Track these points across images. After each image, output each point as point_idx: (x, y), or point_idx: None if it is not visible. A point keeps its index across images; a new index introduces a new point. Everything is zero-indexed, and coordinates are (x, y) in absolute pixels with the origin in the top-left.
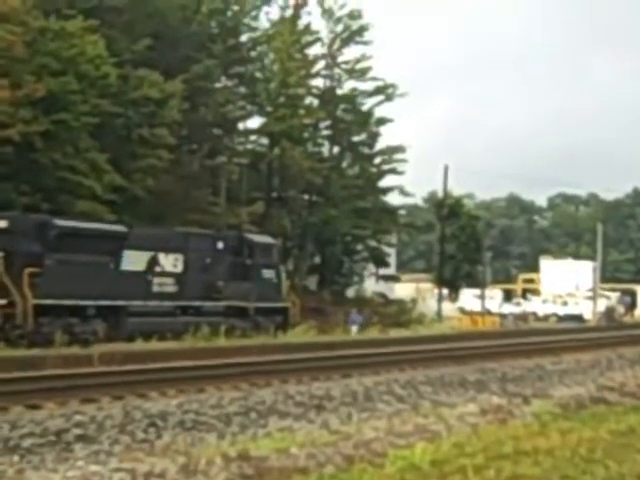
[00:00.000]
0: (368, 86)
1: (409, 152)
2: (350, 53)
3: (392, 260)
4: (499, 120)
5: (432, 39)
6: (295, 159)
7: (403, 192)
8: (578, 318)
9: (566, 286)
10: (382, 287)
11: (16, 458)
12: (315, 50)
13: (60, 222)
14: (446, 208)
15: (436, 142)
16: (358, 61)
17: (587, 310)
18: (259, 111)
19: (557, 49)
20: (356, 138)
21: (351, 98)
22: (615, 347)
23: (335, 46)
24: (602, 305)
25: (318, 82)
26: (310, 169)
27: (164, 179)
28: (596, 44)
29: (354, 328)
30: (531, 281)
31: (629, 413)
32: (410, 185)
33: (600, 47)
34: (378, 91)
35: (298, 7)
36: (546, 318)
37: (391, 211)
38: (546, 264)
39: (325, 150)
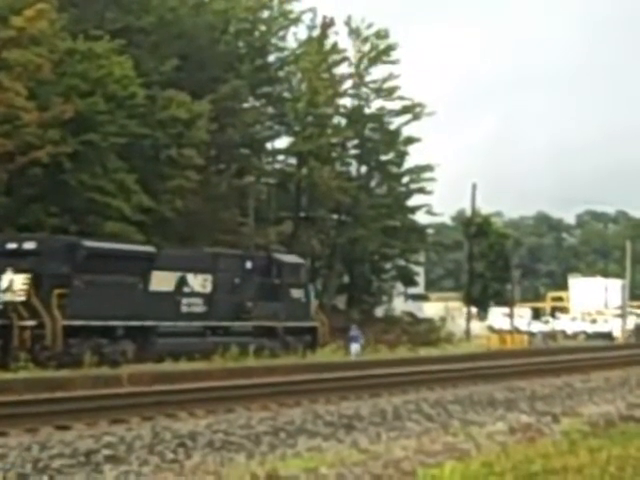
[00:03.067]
0: (396, 105)
1: (438, 170)
2: (377, 72)
3: (421, 279)
4: (531, 138)
5: (469, 56)
6: (323, 178)
7: (431, 212)
8: (607, 336)
9: (595, 304)
10: (411, 306)
11: (46, 479)
12: (342, 69)
13: (89, 243)
14: (474, 226)
15: (467, 160)
16: (385, 80)
17: (616, 328)
18: (287, 131)
19: (591, 68)
20: (384, 157)
21: (379, 117)
22: None
23: (362, 65)
24: (631, 323)
25: (346, 101)
26: (338, 188)
27: (192, 200)
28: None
29: (353, 348)
30: (560, 299)
31: None
32: (439, 203)
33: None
34: (406, 110)
35: (325, 27)
36: (575, 336)
37: (419, 230)
38: (575, 282)
39: (353, 169)
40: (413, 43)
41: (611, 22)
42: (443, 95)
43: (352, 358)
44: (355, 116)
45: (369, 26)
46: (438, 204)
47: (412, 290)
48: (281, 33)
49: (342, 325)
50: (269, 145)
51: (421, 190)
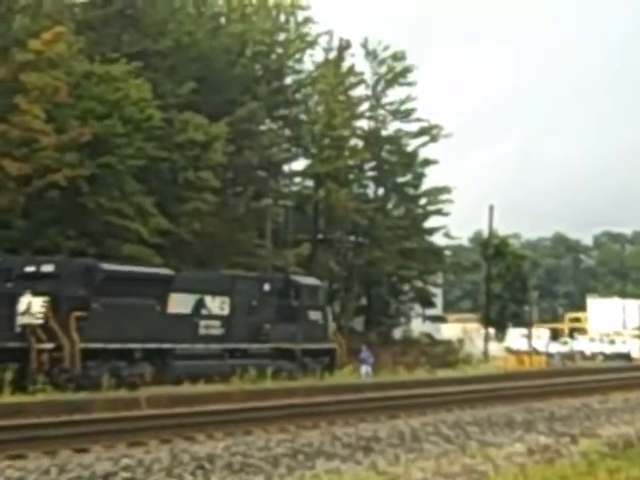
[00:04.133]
0: (413, 127)
1: (455, 192)
2: (394, 94)
3: (438, 300)
4: (548, 160)
5: (486, 78)
6: (340, 200)
7: (448, 236)
8: (625, 357)
9: (613, 325)
10: (429, 327)
11: None
12: (359, 91)
13: (106, 266)
14: (492, 248)
15: (484, 182)
16: (402, 102)
17: (634, 348)
18: (304, 153)
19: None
20: (401, 179)
21: (396, 139)
22: None
23: (379, 87)
24: None
25: (363, 123)
26: (355, 210)
27: (210, 222)
28: None
29: (364, 369)
30: (578, 320)
31: None
32: (456, 225)
33: None
34: (423, 132)
35: (342, 49)
36: (593, 357)
37: (437, 251)
38: (593, 303)
39: (370, 191)
40: (431, 65)
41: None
42: (461, 117)
43: (363, 379)
44: (372, 138)
45: (386, 48)
46: (456, 226)
47: (430, 311)
48: (298, 55)
49: (360, 347)
50: (286, 167)
51: (438, 212)
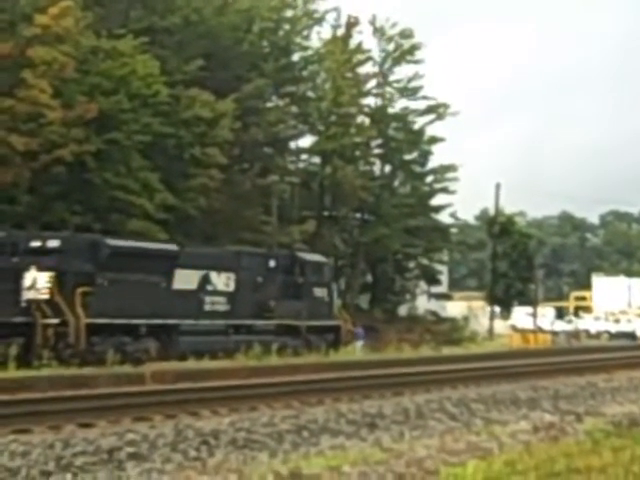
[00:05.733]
0: (420, 105)
1: (463, 170)
2: (402, 72)
3: (444, 278)
4: (556, 140)
5: (499, 57)
6: (347, 178)
7: (455, 217)
8: (630, 335)
9: (618, 303)
10: (434, 305)
11: (69, 476)
12: (366, 69)
13: (112, 242)
14: (498, 226)
15: (492, 160)
16: (410, 80)
17: (639, 327)
18: (311, 130)
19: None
20: (407, 157)
21: (402, 117)
22: None
23: (386, 65)
24: None
25: (369, 101)
26: (362, 187)
27: (216, 198)
28: None
29: (359, 344)
30: (583, 299)
31: None
32: (462, 202)
33: None
34: (430, 110)
35: (350, 26)
36: (598, 335)
37: (442, 229)
38: (598, 282)
39: (376, 169)
40: (445, 43)
41: None
42: (472, 95)
43: (357, 352)
44: (379, 115)
45: (393, 25)
46: (462, 203)
47: (435, 289)
48: (305, 32)
49: (365, 324)
50: (293, 144)
51: (444, 190)
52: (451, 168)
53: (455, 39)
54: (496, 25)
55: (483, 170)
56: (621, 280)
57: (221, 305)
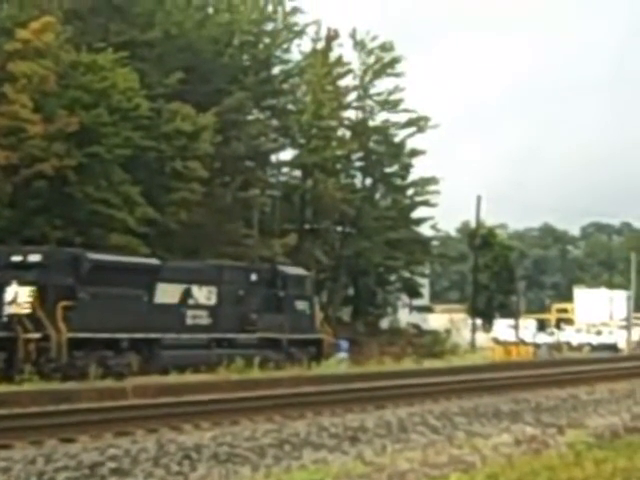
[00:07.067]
0: (401, 118)
1: (444, 183)
2: (382, 85)
3: (425, 291)
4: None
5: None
6: (328, 190)
7: (436, 229)
8: (612, 347)
9: (600, 315)
10: (416, 318)
11: None
12: (347, 82)
13: (93, 255)
14: (479, 238)
15: (472, 173)
16: (390, 93)
17: (621, 339)
18: (291, 143)
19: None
20: (388, 169)
21: (383, 130)
22: None
23: (367, 78)
24: (636, 334)
25: (350, 114)
26: (343, 200)
27: (197, 212)
28: None
29: (340, 356)
30: (565, 311)
31: None
32: (444, 215)
33: None
34: (410, 123)
35: (330, 39)
36: (580, 348)
37: (424, 242)
38: (580, 294)
39: (358, 181)
40: (430, 56)
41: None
42: (458, 108)
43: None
44: (360, 128)
45: (374, 38)
46: (443, 216)
47: (417, 302)
48: (285, 45)
49: (347, 337)
50: (274, 157)
51: (425, 203)
52: (432, 181)
53: (440, 52)
54: (482, 38)
55: (465, 183)
56: (602, 292)
57: (203, 319)
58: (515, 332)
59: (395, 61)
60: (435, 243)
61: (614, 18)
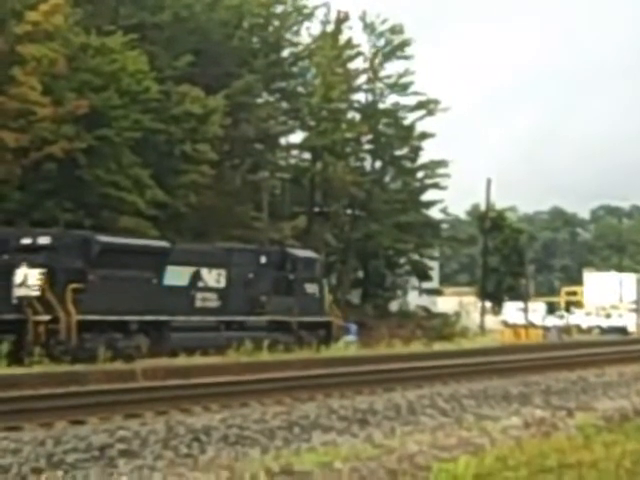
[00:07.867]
0: (410, 101)
1: (455, 166)
2: (392, 68)
3: (435, 273)
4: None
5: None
6: (337, 173)
7: (445, 212)
8: (621, 330)
9: (609, 298)
10: (425, 301)
11: (60, 473)
12: (357, 64)
13: (103, 238)
14: (489, 221)
15: (485, 155)
16: (400, 76)
17: (630, 322)
18: (301, 126)
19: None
20: (398, 152)
21: (393, 112)
22: None
23: (377, 61)
24: None
25: (360, 96)
26: (352, 183)
27: (206, 195)
28: None
29: (348, 338)
30: (574, 294)
31: None
32: (454, 198)
33: None
34: (420, 106)
35: (339, 22)
36: (589, 330)
37: (433, 225)
38: (589, 276)
39: (367, 164)
40: (445, 39)
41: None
42: (472, 91)
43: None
44: (369, 111)
45: (384, 21)
46: (453, 199)
47: (426, 285)
48: (295, 28)
49: (356, 319)
50: (283, 140)
51: (435, 185)
52: (442, 164)
53: (456, 35)
54: (498, 22)
55: (475, 166)
56: (612, 275)
57: (212, 301)
58: (524, 315)
59: (405, 44)
60: (445, 226)
61: (634, 2)
